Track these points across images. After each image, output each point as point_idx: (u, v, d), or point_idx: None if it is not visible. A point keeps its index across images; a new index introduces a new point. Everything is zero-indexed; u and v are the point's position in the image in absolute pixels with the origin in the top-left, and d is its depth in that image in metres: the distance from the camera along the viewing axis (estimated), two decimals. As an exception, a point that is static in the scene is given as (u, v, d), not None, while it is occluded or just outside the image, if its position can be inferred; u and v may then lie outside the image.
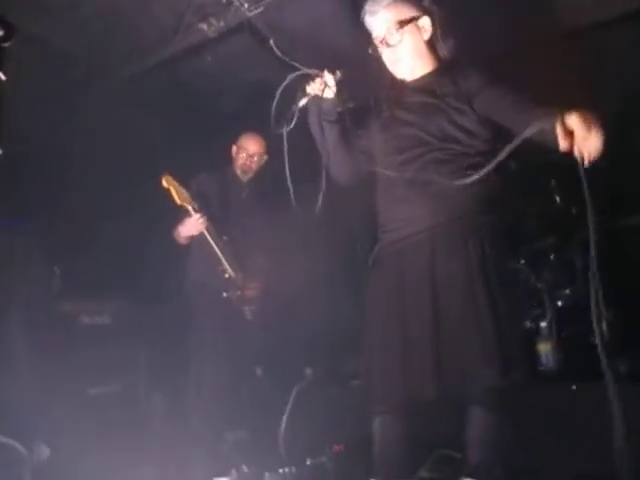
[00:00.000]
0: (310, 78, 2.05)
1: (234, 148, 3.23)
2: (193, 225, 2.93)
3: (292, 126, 2.01)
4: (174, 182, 2.89)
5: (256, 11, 3.31)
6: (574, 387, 2.38)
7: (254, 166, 3.20)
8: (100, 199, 3.53)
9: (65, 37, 3.39)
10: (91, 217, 3.51)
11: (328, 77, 2.03)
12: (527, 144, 1.71)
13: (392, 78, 2.11)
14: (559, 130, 1.54)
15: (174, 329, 3.22)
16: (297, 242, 3.51)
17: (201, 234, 2.97)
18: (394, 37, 1.99)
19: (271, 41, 3.32)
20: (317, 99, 2.05)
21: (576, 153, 1.52)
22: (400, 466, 1.90)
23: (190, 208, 2.91)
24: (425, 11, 2.05)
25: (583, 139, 1.50)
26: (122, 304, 3.49)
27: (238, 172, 3.21)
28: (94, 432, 2.84)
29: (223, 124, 3.64)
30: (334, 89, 2.05)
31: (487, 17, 3.12)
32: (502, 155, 1.69)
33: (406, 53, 2.02)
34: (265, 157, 3.23)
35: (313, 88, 2.04)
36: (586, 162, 1.51)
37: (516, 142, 1.63)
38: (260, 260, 3.22)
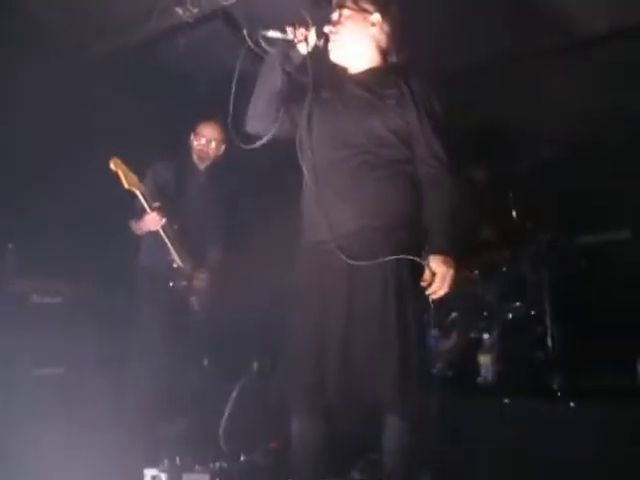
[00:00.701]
0: (297, 24, 1.97)
1: (192, 135, 3.20)
2: (151, 222, 2.92)
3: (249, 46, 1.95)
4: (122, 166, 2.85)
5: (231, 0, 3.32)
6: (506, 401, 2.42)
7: (211, 153, 3.16)
8: (58, 177, 3.47)
9: (36, 6, 3.36)
10: (49, 195, 3.45)
11: (312, 36, 1.99)
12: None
13: (334, 65, 2.10)
14: (427, 268, 1.83)
15: (126, 313, 3.19)
16: (251, 231, 3.52)
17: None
18: (342, 22, 2.03)
19: (244, 31, 3.35)
20: (288, 43, 1.98)
21: (429, 292, 1.85)
22: (315, 468, 1.93)
23: (139, 194, 2.88)
24: (383, 10, 2.07)
25: (437, 287, 1.84)
26: (75, 285, 3.44)
27: (195, 159, 3.18)
28: (31, 413, 2.81)
29: (191, 110, 3.60)
30: (309, 48, 1.99)
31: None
32: None
33: (349, 41, 2.04)
34: (223, 145, 3.19)
35: (292, 33, 1.96)
36: (433, 298, 1.85)
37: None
38: (212, 250, 3.21)
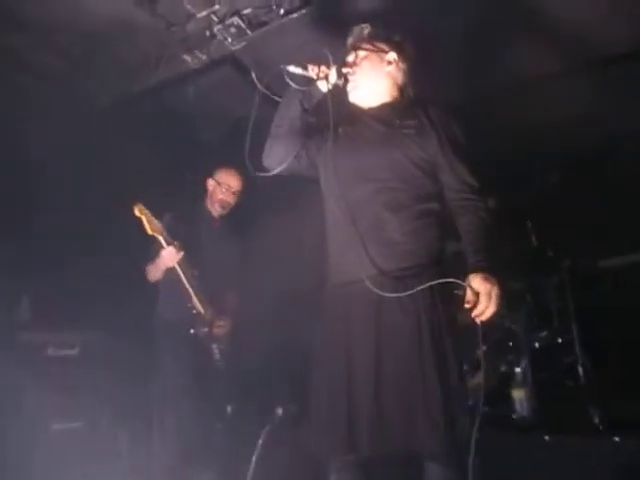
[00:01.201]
0: (318, 61, 2.00)
1: (211, 182, 3.18)
2: (168, 256, 2.87)
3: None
4: (146, 211, 2.83)
5: (239, 45, 3.34)
6: (547, 438, 2.34)
7: (233, 203, 3.16)
8: (74, 226, 3.45)
9: (44, 56, 3.37)
10: (64, 245, 3.43)
11: (333, 74, 2.01)
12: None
13: (350, 104, 2.11)
14: (468, 289, 1.76)
15: (143, 365, 3.13)
16: (267, 277, 3.48)
17: (173, 268, 2.90)
18: (359, 63, 2.06)
19: (253, 74, 3.38)
20: (308, 80, 2.01)
21: (475, 314, 1.75)
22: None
23: (161, 238, 2.85)
24: (398, 48, 2.11)
25: (484, 306, 1.73)
26: (92, 336, 3.39)
27: (216, 207, 3.15)
28: (49, 469, 2.73)
29: (200, 156, 3.61)
30: (329, 86, 2.01)
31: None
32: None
33: (367, 80, 2.05)
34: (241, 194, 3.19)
35: (313, 70, 1.99)
36: (481, 319, 1.74)
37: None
38: (230, 297, 3.16)
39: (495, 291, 1.74)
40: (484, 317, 1.74)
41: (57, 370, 3.20)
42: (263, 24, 3.17)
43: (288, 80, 1.94)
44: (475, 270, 1.78)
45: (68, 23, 3.11)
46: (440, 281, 1.76)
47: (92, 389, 3.18)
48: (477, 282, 1.76)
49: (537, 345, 3.14)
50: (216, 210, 3.17)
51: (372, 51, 2.07)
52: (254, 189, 3.17)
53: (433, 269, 1.85)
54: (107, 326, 3.41)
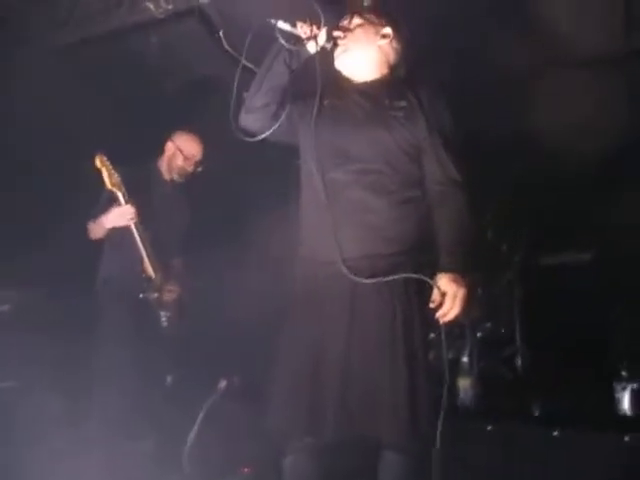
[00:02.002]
0: (309, 21, 1.85)
1: (171, 146, 3.01)
2: (121, 215, 2.72)
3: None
4: (107, 163, 2.70)
5: (206, -2, 3.16)
6: (489, 428, 2.40)
7: (191, 172, 3.01)
8: (11, 174, 3.20)
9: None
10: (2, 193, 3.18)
11: (322, 36, 1.87)
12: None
13: (337, 74, 2.01)
14: (435, 289, 1.74)
15: (82, 326, 2.97)
16: (221, 246, 3.38)
17: (126, 227, 2.75)
18: (352, 29, 1.95)
19: (220, 32, 3.13)
20: (295, 39, 1.85)
21: (439, 314, 1.73)
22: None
23: (120, 195, 2.71)
24: (395, 25, 2.01)
25: (448, 308, 1.71)
26: (27, 293, 3.18)
27: (173, 174, 3.00)
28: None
29: (161, 111, 3.41)
30: (317, 47, 1.87)
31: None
32: None
33: (357, 49, 1.94)
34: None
35: (302, 28, 1.84)
36: (444, 320, 1.73)
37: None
38: (177, 264, 3.05)
39: (461, 293, 1.72)
40: (447, 318, 1.73)
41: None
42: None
43: (277, 35, 1.80)
44: (444, 270, 1.75)
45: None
46: (409, 275, 1.75)
47: (25, 349, 2.99)
48: (444, 282, 1.73)
49: (480, 335, 3.21)
50: (172, 176, 3.02)
51: (367, 20, 1.97)
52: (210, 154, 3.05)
53: (410, 258, 1.81)
54: (43, 284, 3.22)
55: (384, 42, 1.98)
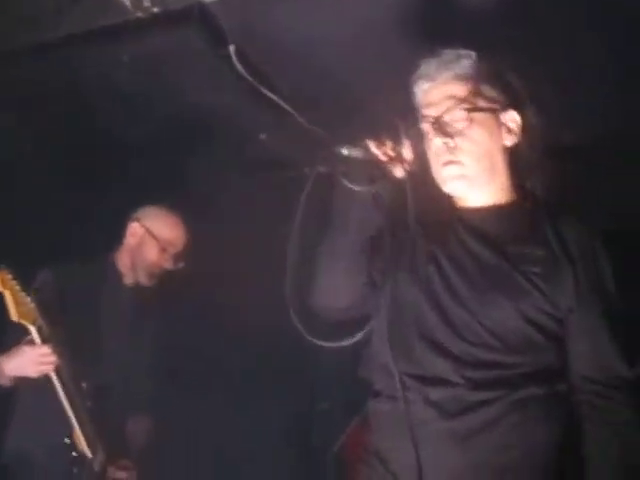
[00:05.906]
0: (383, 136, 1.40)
1: (136, 229, 2.10)
2: (33, 361, 1.89)
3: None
4: (13, 283, 1.84)
5: (213, -3, 2.22)
6: None
7: (169, 269, 2.16)
8: None
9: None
10: None
11: (408, 152, 1.40)
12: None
13: (436, 192, 1.50)
14: None
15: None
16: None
17: (43, 377, 1.91)
18: (457, 123, 1.42)
19: (231, 47, 2.19)
20: (369, 167, 1.38)
21: None
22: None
23: (34, 329, 1.87)
24: (515, 100, 1.46)
25: None
26: None
27: (140, 272, 2.15)
28: None
29: (121, 171, 2.30)
30: (406, 167, 1.39)
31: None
32: None
33: (470, 155, 1.42)
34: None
35: (380, 149, 1.37)
36: None
37: None
38: (145, 422, 2.20)
39: None
40: None
41: None
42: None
43: (345, 182, 1.35)
44: None
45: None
46: None
47: None
48: None
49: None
50: (136, 278, 2.12)
51: (482, 104, 1.41)
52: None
53: None
54: None
55: (511, 139, 1.45)
